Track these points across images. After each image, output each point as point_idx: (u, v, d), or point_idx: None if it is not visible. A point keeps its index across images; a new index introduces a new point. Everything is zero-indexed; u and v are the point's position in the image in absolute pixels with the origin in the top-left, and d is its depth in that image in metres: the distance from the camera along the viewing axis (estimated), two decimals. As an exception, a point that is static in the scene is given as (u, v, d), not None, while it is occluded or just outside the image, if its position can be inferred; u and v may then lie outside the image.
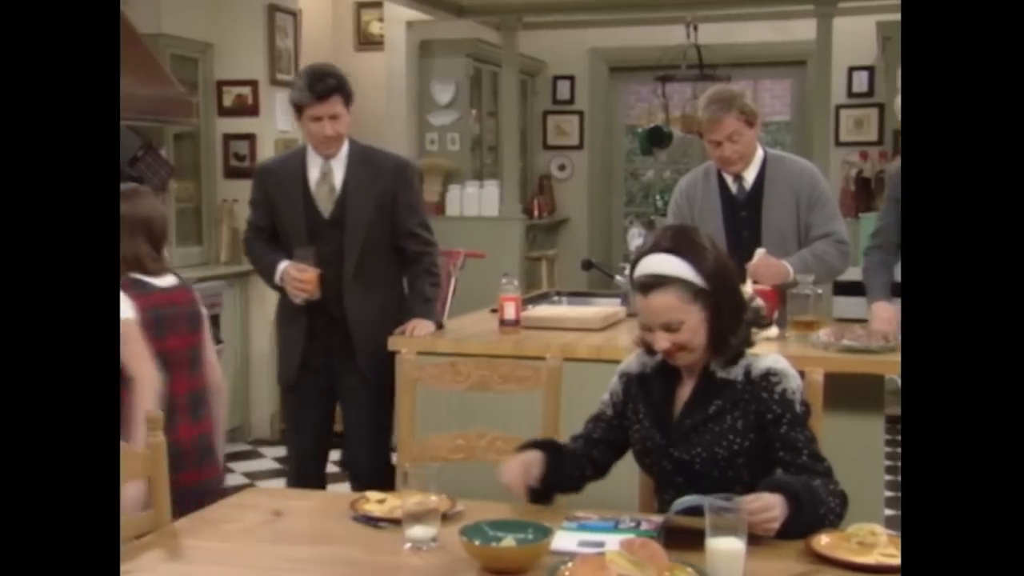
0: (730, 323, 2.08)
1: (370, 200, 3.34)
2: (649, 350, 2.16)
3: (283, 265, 3.31)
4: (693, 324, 2.06)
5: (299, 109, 3.29)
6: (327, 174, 3.36)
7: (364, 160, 3.38)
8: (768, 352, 2.15)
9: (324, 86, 3.24)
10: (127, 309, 2.51)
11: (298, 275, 3.26)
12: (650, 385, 2.18)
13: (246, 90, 5.74)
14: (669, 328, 2.05)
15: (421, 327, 3.33)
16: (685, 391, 2.14)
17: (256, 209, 3.47)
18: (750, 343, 2.13)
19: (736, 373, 2.10)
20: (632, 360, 2.24)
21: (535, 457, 2.14)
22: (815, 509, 1.93)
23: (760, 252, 3.34)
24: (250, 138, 5.76)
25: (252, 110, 5.75)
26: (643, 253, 2.11)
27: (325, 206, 3.35)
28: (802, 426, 2.07)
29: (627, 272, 2.38)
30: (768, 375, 2.08)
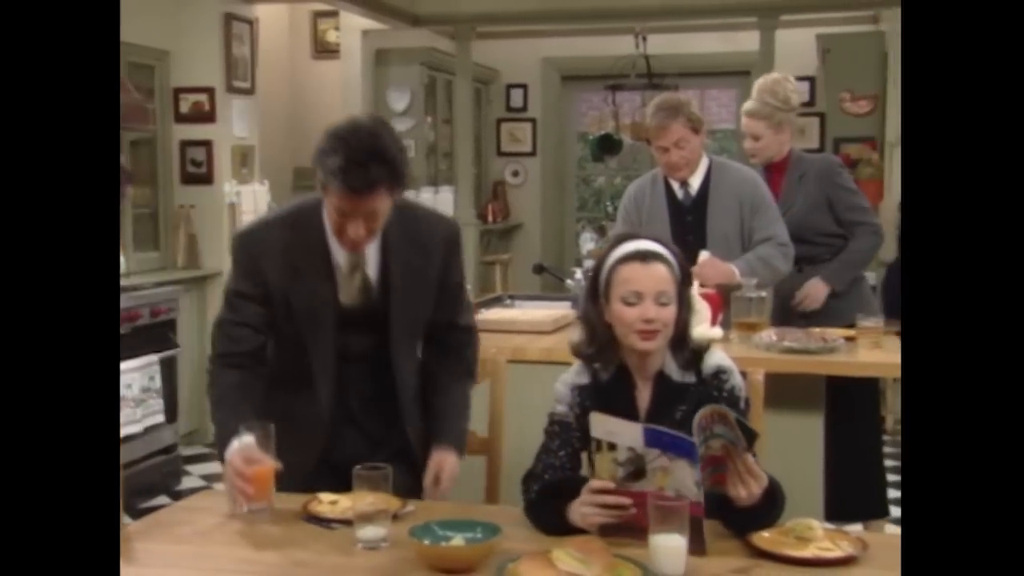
0: (686, 324, 2.13)
1: (425, 287, 2.39)
2: (594, 358, 2.15)
3: (236, 444, 2.16)
4: (673, 312, 2.10)
5: (324, 183, 2.22)
6: (357, 264, 2.35)
7: (409, 233, 2.37)
8: (712, 350, 2.19)
9: (366, 177, 2.15)
10: None
11: (243, 468, 2.10)
12: (607, 396, 2.12)
13: (203, 97, 5.74)
14: (660, 300, 2.07)
15: (450, 466, 2.37)
16: (644, 399, 2.13)
17: (240, 303, 2.35)
18: (703, 347, 2.17)
19: (689, 375, 2.13)
20: (580, 370, 2.19)
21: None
22: (784, 502, 1.98)
23: (705, 254, 3.45)
24: (207, 144, 5.78)
25: (209, 117, 5.76)
26: (623, 239, 2.15)
27: (354, 297, 2.36)
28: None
29: (584, 268, 2.34)
30: (719, 373, 2.12)
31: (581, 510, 1.93)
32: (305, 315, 2.34)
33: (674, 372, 2.12)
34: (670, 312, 2.08)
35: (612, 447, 1.91)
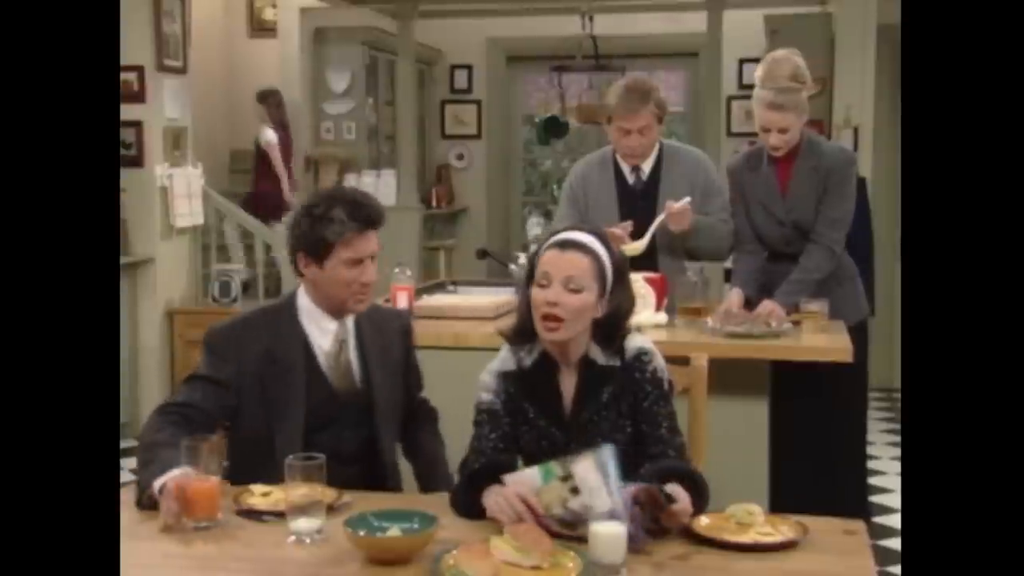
0: (620, 321, 2.13)
1: (391, 372, 2.47)
2: (513, 339, 2.16)
3: (177, 472, 2.01)
4: (586, 301, 2.08)
5: (325, 249, 2.31)
6: (344, 343, 2.42)
7: (375, 324, 2.47)
8: (633, 334, 2.20)
9: (372, 210, 2.35)
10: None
11: (185, 486, 1.98)
12: (532, 382, 2.14)
13: (132, 76, 5.57)
14: (568, 285, 2.06)
15: None
16: (570, 384, 2.15)
17: (209, 388, 2.30)
18: (627, 334, 2.18)
19: (614, 359, 2.14)
20: (505, 358, 2.19)
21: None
22: (707, 488, 1.99)
23: (687, 199, 3.38)
24: (136, 126, 5.61)
25: (138, 97, 5.60)
26: (563, 230, 2.16)
27: (342, 384, 2.40)
28: (665, 401, 2.14)
29: (530, 253, 2.31)
30: (640, 355, 2.14)
31: (496, 501, 1.92)
32: (278, 409, 2.33)
33: (599, 356, 2.14)
34: (579, 299, 2.07)
35: (575, 490, 1.84)
